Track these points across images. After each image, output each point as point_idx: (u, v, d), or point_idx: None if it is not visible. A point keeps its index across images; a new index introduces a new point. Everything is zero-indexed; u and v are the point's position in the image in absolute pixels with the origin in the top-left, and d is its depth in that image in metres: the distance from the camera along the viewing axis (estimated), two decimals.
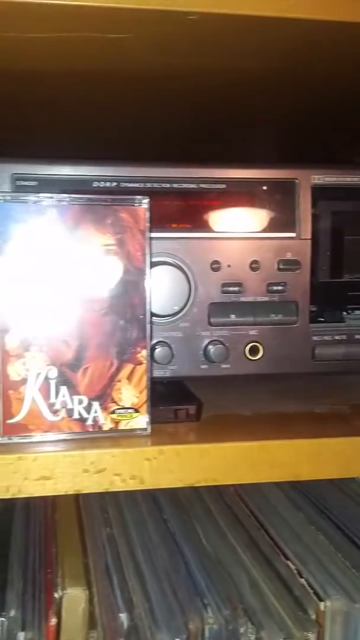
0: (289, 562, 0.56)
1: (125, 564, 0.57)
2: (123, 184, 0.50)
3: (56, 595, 0.52)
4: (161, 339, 0.50)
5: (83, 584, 0.53)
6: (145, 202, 0.44)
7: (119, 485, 0.41)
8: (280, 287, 0.51)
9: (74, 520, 0.66)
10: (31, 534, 0.62)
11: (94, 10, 0.37)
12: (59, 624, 0.49)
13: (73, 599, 0.51)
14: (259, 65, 0.47)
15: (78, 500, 0.71)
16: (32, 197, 0.43)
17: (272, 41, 0.43)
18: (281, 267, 0.51)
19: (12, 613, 0.49)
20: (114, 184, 0.50)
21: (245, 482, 0.42)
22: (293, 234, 0.52)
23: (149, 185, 0.50)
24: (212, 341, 0.51)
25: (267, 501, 0.70)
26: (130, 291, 0.44)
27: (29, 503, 0.69)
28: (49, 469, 0.40)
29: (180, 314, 0.50)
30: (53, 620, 0.49)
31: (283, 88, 0.52)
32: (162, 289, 0.49)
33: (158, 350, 0.50)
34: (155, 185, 0.50)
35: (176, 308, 0.50)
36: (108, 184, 0.50)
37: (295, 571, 0.54)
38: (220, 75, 0.49)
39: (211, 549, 0.59)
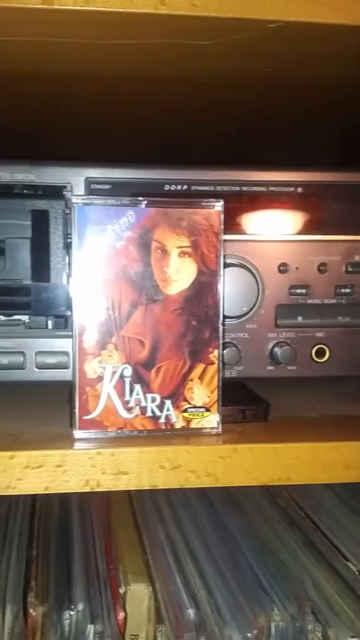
0: (349, 564, 0.56)
1: (185, 561, 0.58)
2: (194, 187, 0.51)
3: (120, 590, 0.53)
4: (228, 340, 0.51)
5: (146, 580, 0.54)
6: (219, 205, 0.45)
7: (194, 482, 0.42)
8: (348, 290, 0.52)
9: (129, 519, 0.68)
10: (89, 532, 0.64)
11: (177, 19, 0.38)
12: (125, 618, 0.51)
13: (137, 594, 0.53)
14: (335, 71, 0.48)
15: (131, 499, 0.72)
16: (110, 200, 0.44)
17: (348, 48, 0.44)
18: (349, 269, 0.52)
19: (80, 607, 0.50)
20: (185, 187, 0.51)
21: (319, 482, 0.42)
22: None
23: (219, 188, 0.51)
24: (278, 343, 0.52)
25: (321, 505, 0.71)
26: (204, 292, 0.45)
27: (84, 502, 0.71)
28: (126, 464, 0.41)
29: (248, 316, 0.51)
30: (121, 614, 0.50)
31: (353, 94, 0.53)
32: (231, 291, 0.50)
33: (226, 351, 0.50)
34: (225, 188, 0.51)
35: (245, 309, 0.51)
36: (179, 187, 0.51)
37: (357, 572, 0.54)
38: (296, 80, 0.50)
39: (271, 550, 0.59)
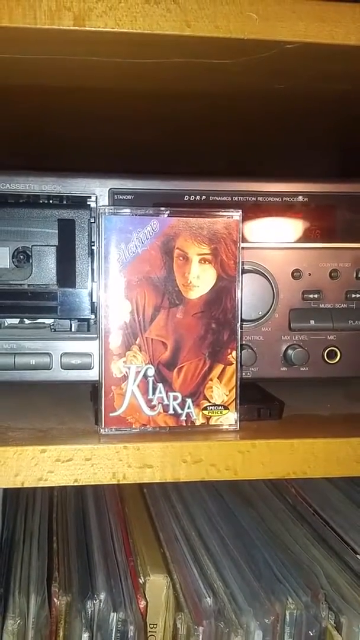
0: (358, 556, 0.59)
1: (201, 554, 0.60)
2: (212, 198, 0.53)
3: (140, 581, 0.56)
4: (245, 342, 0.54)
5: (164, 571, 0.56)
6: (237, 214, 0.48)
7: (214, 475, 0.44)
8: (358, 295, 0.54)
9: (144, 515, 0.70)
10: (106, 527, 0.66)
11: (201, 40, 0.41)
12: (146, 607, 0.53)
13: (156, 585, 0.55)
14: (346, 88, 0.50)
15: (144, 495, 0.75)
16: (135, 210, 0.47)
17: (355, 66, 0.46)
18: (359, 276, 0.54)
19: (102, 596, 0.53)
20: (204, 197, 0.53)
21: (334, 476, 0.45)
22: None
23: (235, 198, 0.54)
24: (292, 345, 0.54)
25: (328, 502, 0.73)
26: (223, 297, 0.48)
27: (99, 498, 0.73)
28: (150, 458, 0.44)
29: (263, 319, 0.54)
30: (142, 603, 0.52)
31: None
32: (248, 296, 0.52)
33: (242, 352, 0.53)
34: (241, 198, 0.54)
35: (260, 313, 0.53)
36: (198, 198, 0.53)
37: None
38: (310, 96, 0.52)
39: (283, 543, 0.62)
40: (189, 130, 0.63)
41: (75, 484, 0.43)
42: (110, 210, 0.46)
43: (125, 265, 0.46)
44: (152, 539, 0.64)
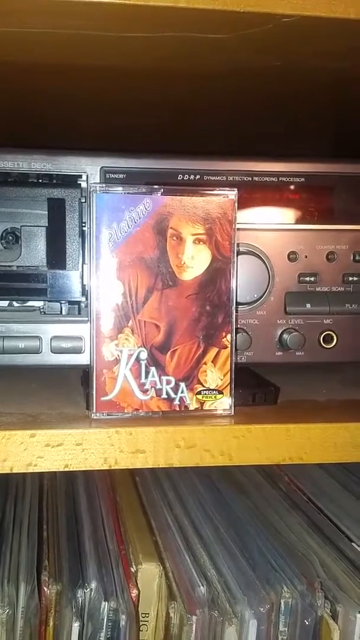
0: (353, 544, 0.58)
1: (194, 542, 0.59)
2: (206, 177, 0.52)
3: (132, 569, 0.55)
4: (240, 326, 0.52)
5: (156, 560, 0.55)
6: (233, 194, 0.46)
7: (208, 461, 0.43)
8: (355, 278, 0.53)
9: (136, 503, 0.69)
10: (97, 515, 0.65)
11: (196, 13, 0.39)
12: (138, 595, 0.52)
13: (148, 573, 0.54)
14: (345, 65, 0.49)
15: (136, 483, 0.74)
16: (128, 188, 0.45)
17: (355, 42, 0.45)
18: (357, 258, 0.53)
19: (93, 585, 0.52)
20: (198, 177, 0.52)
21: (330, 461, 0.44)
22: None
23: (230, 178, 0.52)
24: (287, 329, 0.53)
25: (322, 490, 0.72)
26: (218, 278, 0.46)
27: (91, 486, 0.72)
28: (143, 443, 0.43)
29: (258, 302, 0.52)
30: (134, 591, 0.51)
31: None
32: (243, 278, 0.51)
33: (237, 336, 0.52)
34: (237, 178, 0.52)
35: (256, 296, 0.52)
36: (192, 177, 0.52)
37: None
38: (308, 72, 0.51)
39: (277, 531, 0.61)
40: (184, 111, 0.61)
41: (66, 469, 0.42)
42: (102, 188, 0.45)
43: (117, 245, 0.45)
44: (144, 527, 0.63)
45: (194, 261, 0.46)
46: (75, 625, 0.49)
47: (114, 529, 0.62)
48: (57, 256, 0.50)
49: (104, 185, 0.45)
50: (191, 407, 0.46)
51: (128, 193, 0.45)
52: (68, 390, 0.52)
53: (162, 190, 0.45)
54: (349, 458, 0.44)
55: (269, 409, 0.49)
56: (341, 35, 0.43)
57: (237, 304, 0.51)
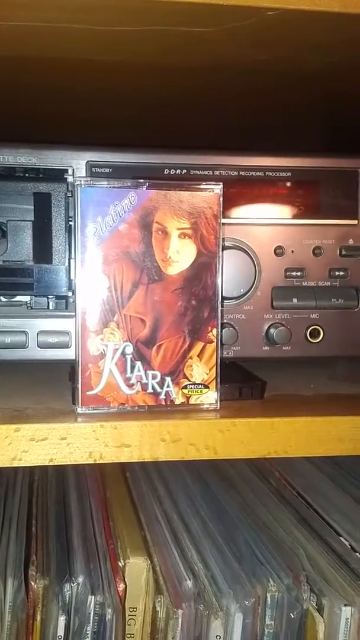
0: (341, 539, 0.58)
1: (182, 537, 0.59)
2: (193, 172, 0.52)
3: (119, 564, 0.55)
4: (226, 321, 0.52)
5: (144, 554, 0.55)
6: (218, 188, 0.46)
7: (193, 455, 0.43)
8: (341, 273, 0.53)
9: (125, 498, 0.69)
10: (87, 510, 0.65)
11: (180, 5, 0.39)
12: (125, 590, 0.52)
13: (135, 567, 0.54)
14: (331, 60, 0.49)
15: (127, 479, 0.74)
16: (112, 182, 0.45)
17: (343, 36, 0.45)
18: (343, 253, 0.53)
19: (80, 579, 0.52)
20: (184, 171, 0.52)
21: (315, 455, 0.44)
22: (355, 221, 0.54)
23: (217, 173, 0.52)
24: (274, 324, 0.53)
25: (312, 485, 0.73)
26: (203, 273, 0.46)
27: (81, 482, 0.72)
28: (128, 437, 0.43)
29: (245, 297, 0.52)
30: (121, 585, 0.51)
31: (351, 80, 0.54)
32: (229, 273, 0.51)
33: (224, 331, 0.52)
34: (223, 173, 0.52)
35: (242, 291, 0.52)
36: (178, 172, 0.52)
37: (349, 547, 0.56)
38: (291, 67, 0.51)
39: (265, 525, 0.61)
40: (170, 106, 0.61)
41: (51, 463, 0.42)
42: (87, 182, 0.45)
43: (102, 239, 0.45)
44: (133, 522, 0.63)
45: (180, 256, 0.46)
46: (62, 619, 0.49)
47: (103, 524, 0.62)
48: (43, 251, 0.50)
49: (88, 179, 0.45)
50: (177, 402, 0.46)
51: (113, 187, 0.45)
52: (57, 386, 0.52)
53: (147, 184, 0.45)
54: (334, 451, 0.44)
55: (255, 404, 0.49)
56: (326, 29, 0.43)
57: (224, 298, 0.52)
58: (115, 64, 0.50)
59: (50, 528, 0.61)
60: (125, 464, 0.77)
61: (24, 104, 0.61)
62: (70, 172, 0.51)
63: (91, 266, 0.45)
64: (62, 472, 0.74)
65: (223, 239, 0.49)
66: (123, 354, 0.45)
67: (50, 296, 0.52)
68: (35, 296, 0.51)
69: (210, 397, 0.47)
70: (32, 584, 0.52)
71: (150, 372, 0.46)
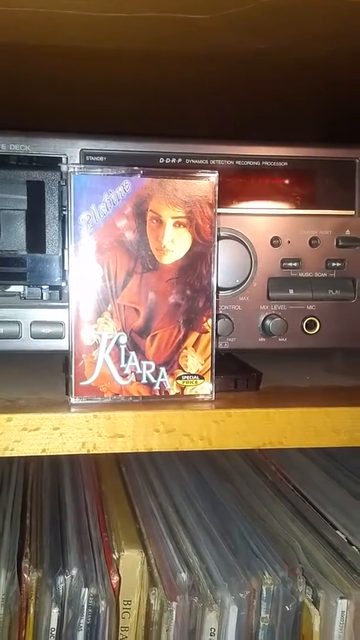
0: (337, 532, 0.58)
1: (177, 529, 0.59)
2: (188, 161, 0.51)
3: (114, 556, 0.54)
4: (222, 312, 0.52)
5: (139, 547, 0.55)
6: (214, 176, 0.46)
7: (188, 445, 0.43)
8: (338, 264, 0.53)
9: (121, 491, 0.69)
10: (82, 503, 0.65)
11: None
12: (119, 582, 0.52)
13: (130, 560, 0.54)
14: (327, 49, 0.48)
15: (122, 472, 0.74)
16: (106, 170, 0.44)
17: (339, 24, 0.44)
18: (340, 244, 0.53)
19: (74, 572, 0.51)
20: (180, 160, 0.51)
21: (310, 446, 0.44)
22: (352, 212, 0.53)
23: (212, 162, 0.52)
24: (270, 315, 0.53)
25: (308, 478, 0.72)
26: (198, 262, 0.46)
27: (76, 474, 0.72)
28: (122, 427, 0.42)
29: (240, 288, 0.52)
30: (115, 578, 0.51)
31: (350, 70, 0.54)
32: (225, 263, 0.51)
33: (219, 322, 0.51)
34: (219, 162, 0.52)
35: (238, 282, 0.52)
36: (174, 160, 0.51)
37: (345, 540, 0.56)
38: (292, 54, 0.50)
39: (261, 518, 0.61)
40: (167, 96, 0.60)
41: (43, 453, 0.42)
42: (80, 169, 0.44)
43: (96, 227, 0.44)
44: (127, 515, 0.63)
45: (174, 245, 0.45)
46: (55, 611, 0.49)
47: (98, 517, 0.61)
48: (36, 240, 0.50)
49: (82, 166, 0.44)
50: (171, 392, 0.46)
51: (107, 174, 0.44)
52: (51, 377, 0.51)
53: (141, 171, 0.45)
54: (330, 443, 0.44)
55: (250, 395, 0.48)
56: (323, 15, 0.43)
57: (220, 289, 0.51)
58: (112, 52, 0.50)
59: (45, 521, 0.61)
60: (120, 457, 0.77)
61: (20, 93, 0.60)
62: (64, 160, 0.50)
63: (85, 254, 0.44)
64: (57, 465, 0.74)
65: (218, 229, 0.48)
66: (117, 344, 0.45)
67: (43, 286, 0.51)
68: (29, 286, 0.51)
69: (205, 388, 0.46)
70: (25, 576, 0.52)
71: (144, 363, 0.45)
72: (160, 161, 0.51)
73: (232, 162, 0.52)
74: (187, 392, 0.46)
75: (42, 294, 0.52)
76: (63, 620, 0.50)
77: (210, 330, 0.46)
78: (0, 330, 0.50)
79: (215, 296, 0.46)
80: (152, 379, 0.46)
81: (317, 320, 0.53)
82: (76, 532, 0.58)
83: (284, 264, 0.53)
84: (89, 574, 0.51)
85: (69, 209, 0.44)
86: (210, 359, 0.46)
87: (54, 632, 0.50)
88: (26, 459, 0.74)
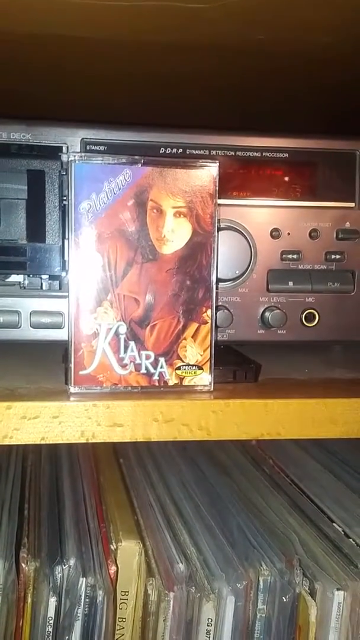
0: (334, 525, 0.58)
1: (175, 521, 0.59)
2: (189, 151, 0.51)
3: (111, 547, 0.54)
4: (221, 303, 0.52)
5: (136, 537, 0.55)
6: (214, 166, 0.46)
7: (186, 435, 0.43)
8: (338, 256, 0.53)
9: (119, 483, 0.69)
10: (80, 494, 0.65)
11: None
12: (116, 572, 0.52)
13: (128, 550, 0.54)
14: (326, 40, 0.48)
15: (120, 464, 0.74)
16: (107, 158, 0.44)
17: (338, 15, 0.44)
18: (340, 236, 0.53)
19: (72, 562, 0.52)
20: (180, 150, 0.51)
21: (308, 437, 0.43)
22: (352, 204, 0.53)
23: (213, 152, 0.52)
24: (269, 307, 0.53)
25: (306, 472, 0.72)
26: (198, 253, 0.46)
27: (74, 466, 0.72)
28: (121, 417, 0.42)
29: (240, 279, 0.52)
30: (113, 568, 0.51)
31: (350, 61, 0.54)
32: (224, 255, 0.51)
33: (218, 313, 0.51)
34: (219, 152, 0.52)
35: (237, 273, 0.51)
36: (175, 151, 0.51)
37: (342, 532, 0.56)
38: (291, 46, 0.50)
39: (258, 511, 0.61)
40: (167, 86, 0.60)
41: (42, 442, 0.42)
42: (81, 158, 0.44)
43: (96, 216, 0.44)
44: (125, 506, 0.63)
45: (175, 235, 0.45)
46: (52, 601, 0.49)
47: (96, 508, 0.62)
48: (36, 229, 0.49)
49: (83, 154, 0.44)
50: (170, 383, 0.46)
51: (108, 163, 0.44)
52: (50, 366, 0.51)
53: (142, 160, 0.45)
54: (327, 434, 0.44)
55: (249, 386, 0.48)
56: (322, 7, 0.43)
57: (219, 280, 0.51)
58: (112, 41, 0.50)
59: (43, 511, 0.61)
60: (119, 450, 0.77)
61: (20, 82, 0.60)
62: (64, 149, 0.50)
63: (85, 243, 0.44)
64: (55, 456, 0.74)
65: (219, 220, 0.48)
66: (116, 333, 0.45)
67: (43, 276, 0.51)
68: (29, 276, 0.51)
69: (204, 379, 0.46)
70: (23, 565, 0.52)
71: (143, 353, 0.45)
72: (161, 151, 0.51)
73: (232, 153, 0.52)
74: (186, 382, 0.46)
75: (41, 283, 0.52)
76: (60, 609, 0.50)
77: (209, 321, 0.46)
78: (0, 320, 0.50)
79: (215, 287, 0.46)
80: (151, 369, 0.46)
81: (316, 313, 0.53)
82: (74, 523, 0.58)
83: (284, 255, 0.53)
84: (87, 564, 0.51)
85: (70, 197, 0.44)
86: (209, 349, 0.46)
87: (52, 622, 0.50)
88: (25, 450, 0.75)
